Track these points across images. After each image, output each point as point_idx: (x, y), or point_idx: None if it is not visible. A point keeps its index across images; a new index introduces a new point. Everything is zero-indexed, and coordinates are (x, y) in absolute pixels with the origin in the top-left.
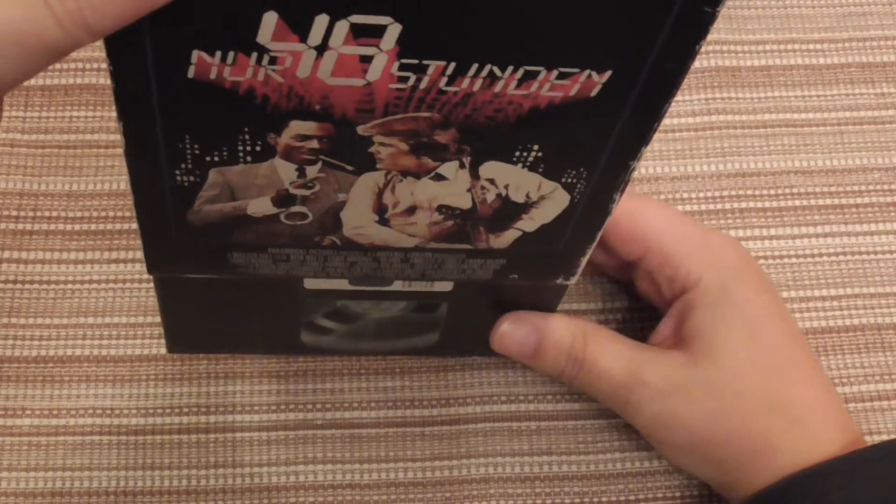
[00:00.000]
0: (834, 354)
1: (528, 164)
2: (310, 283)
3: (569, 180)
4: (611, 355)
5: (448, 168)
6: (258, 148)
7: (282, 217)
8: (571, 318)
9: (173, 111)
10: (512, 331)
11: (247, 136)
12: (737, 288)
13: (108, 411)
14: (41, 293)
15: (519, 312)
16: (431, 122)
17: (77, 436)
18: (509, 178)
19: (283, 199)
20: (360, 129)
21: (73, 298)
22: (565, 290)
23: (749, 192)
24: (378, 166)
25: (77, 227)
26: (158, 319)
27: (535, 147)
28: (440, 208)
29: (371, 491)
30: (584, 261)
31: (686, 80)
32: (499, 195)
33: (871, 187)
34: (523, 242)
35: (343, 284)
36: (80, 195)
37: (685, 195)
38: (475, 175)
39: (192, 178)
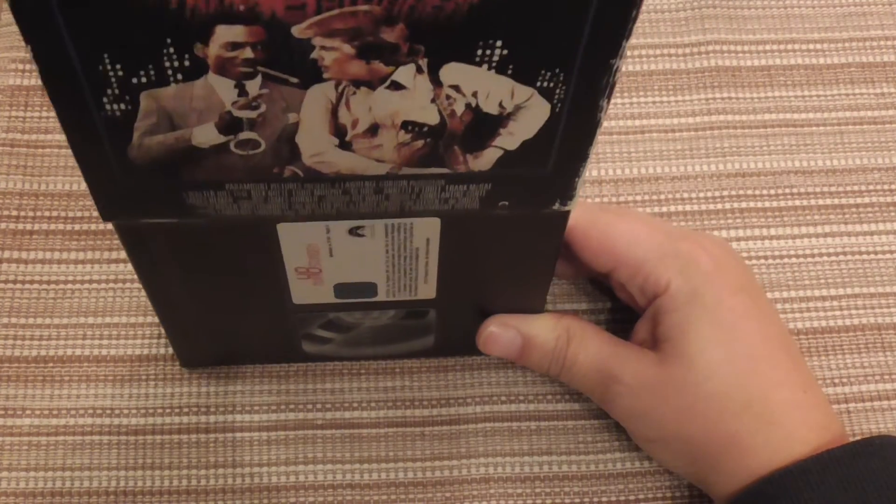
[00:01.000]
0: (834, 354)
1: (493, 64)
2: (297, 297)
3: (545, 84)
4: (589, 353)
5: (404, 74)
6: (187, 62)
7: (232, 146)
8: (556, 316)
9: (82, 26)
10: (497, 334)
11: (171, 50)
12: (708, 290)
13: (108, 411)
14: (41, 293)
15: (503, 315)
16: (374, 18)
17: (77, 436)
18: (476, 84)
19: (228, 124)
20: (296, 31)
21: (73, 298)
22: (564, 225)
23: (749, 192)
24: (325, 76)
25: (77, 227)
26: (159, 319)
27: (499, 44)
28: (405, 126)
29: (371, 491)
30: (579, 182)
31: (686, 79)
32: (468, 106)
33: (871, 187)
34: (507, 163)
35: (329, 297)
36: (80, 195)
37: (685, 195)
38: (436, 81)
39: (122, 107)
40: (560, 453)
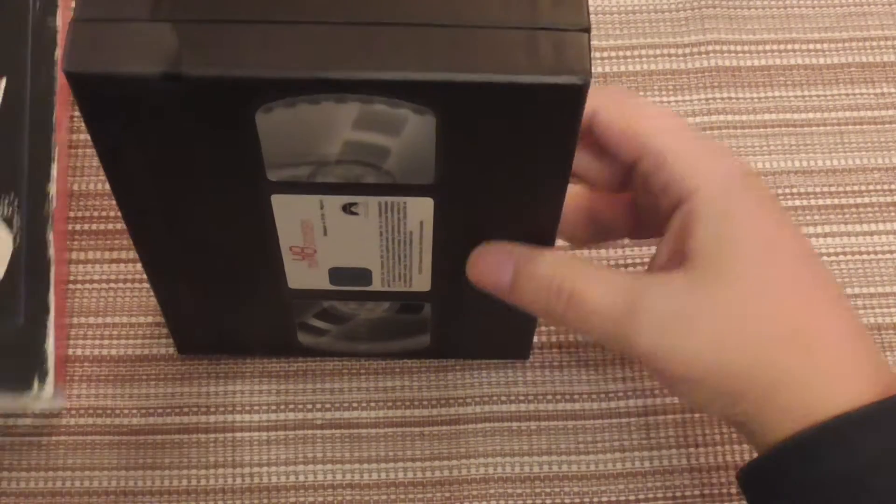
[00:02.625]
0: None
1: None
2: (293, 281)
3: None
4: (603, 286)
5: None
6: None
7: None
8: (558, 250)
9: None
10: (486, 257)
11: None
12: (743, 197)
13: (108, 411)
14: None
15: (497, 241)
16: None
17: (77, 436)
18: None
19: None
20: None
21: (74, 298)
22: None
23: None
24: None
25: (77, 227)
26: (158, 319)
27: None
28: None
29: (371, 491)
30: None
31: (686, 79)
32: None
33: (871, 187)
34: None
35: (324, 283)
36: (80, 195)
37: None
38: None
39: None
40: (560, 453)
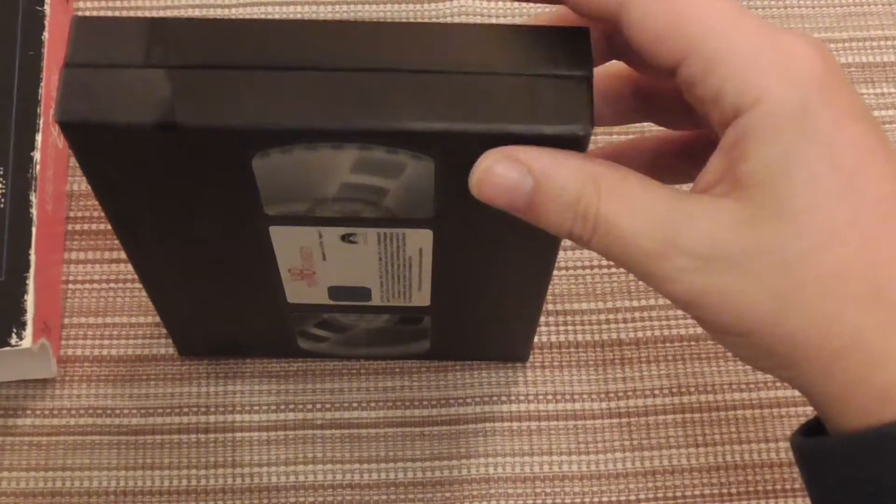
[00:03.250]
0: None
1: None
2: (291, 296)
3: None
4: (636, 212)
5: None
6: None
7: None
8: (582, 157)
9: None
10: (497, 171)
11: None
12: (822, 110)
13: (108, 411)
14: None
15: (507, 147)
16: None
17: (77, 436)
18: None
19: None
20: None
21: (74, 298)
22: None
23: None
24: None
25: (77, 227)
26: (158, 319)
27: None
28: None
29: (371, 491)
30: None
31: None
32: None
33: None
34: None
35: (323, 298)
36: (80, 195)
37: None
38: None
39: None
40: (560, 453)
